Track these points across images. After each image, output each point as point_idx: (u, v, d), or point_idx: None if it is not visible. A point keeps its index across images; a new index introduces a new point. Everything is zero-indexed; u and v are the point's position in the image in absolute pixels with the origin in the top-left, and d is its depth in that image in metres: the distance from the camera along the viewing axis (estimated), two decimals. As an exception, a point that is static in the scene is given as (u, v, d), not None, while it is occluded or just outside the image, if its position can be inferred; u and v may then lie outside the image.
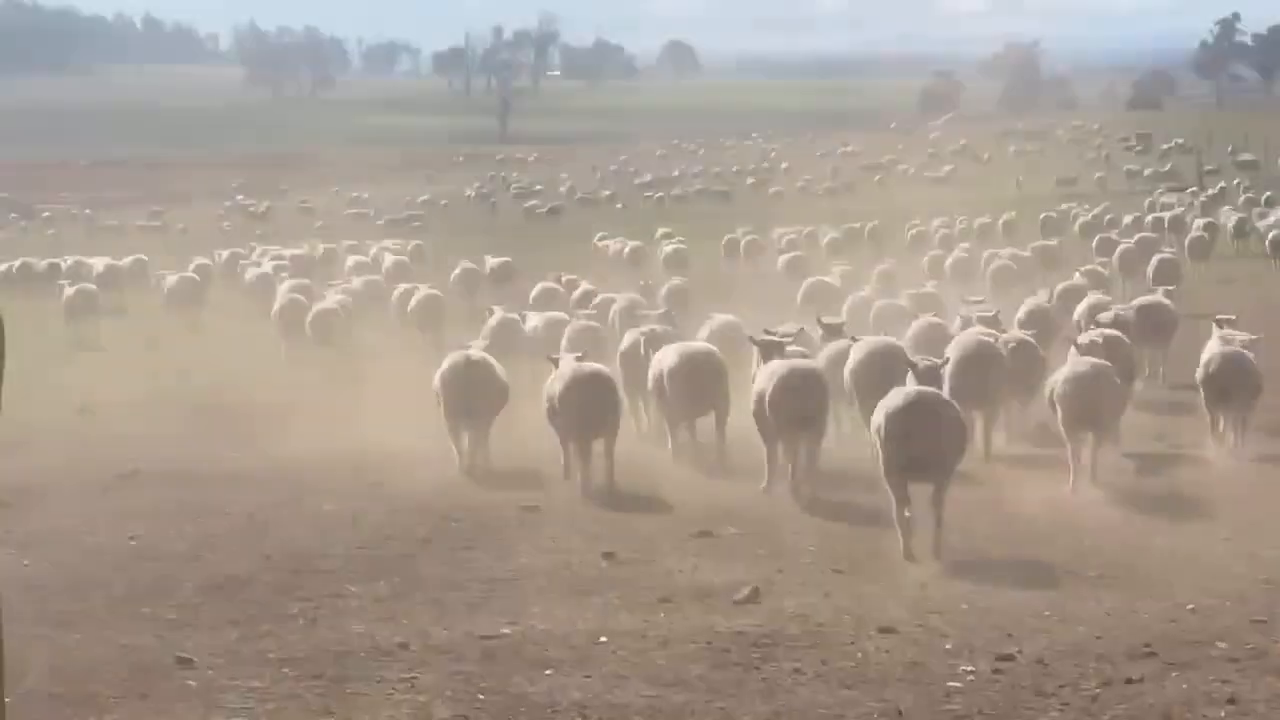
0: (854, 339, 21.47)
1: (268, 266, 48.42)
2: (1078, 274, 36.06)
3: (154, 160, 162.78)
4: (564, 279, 38.45)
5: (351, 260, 51.05)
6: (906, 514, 15.40)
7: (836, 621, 13.14)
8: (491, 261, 45.24)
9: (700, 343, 21.83)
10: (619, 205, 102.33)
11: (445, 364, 20.87)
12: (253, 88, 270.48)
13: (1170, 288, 31.00)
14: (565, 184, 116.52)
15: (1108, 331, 22.20)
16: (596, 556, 15.51)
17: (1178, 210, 63.37)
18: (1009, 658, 12.07)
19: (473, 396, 20.45)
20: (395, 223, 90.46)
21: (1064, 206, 70.15)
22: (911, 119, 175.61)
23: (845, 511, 17.57)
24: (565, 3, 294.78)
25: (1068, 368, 19.54)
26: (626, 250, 53.86)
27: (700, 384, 20.10)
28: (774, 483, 18.81)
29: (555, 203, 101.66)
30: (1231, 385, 20.69)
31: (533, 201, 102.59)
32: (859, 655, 12.23)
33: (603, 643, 12.60)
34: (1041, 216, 62.37)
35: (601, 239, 60.55)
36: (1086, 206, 69.79)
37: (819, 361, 20.63)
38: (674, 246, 52.96)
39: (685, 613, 13.49)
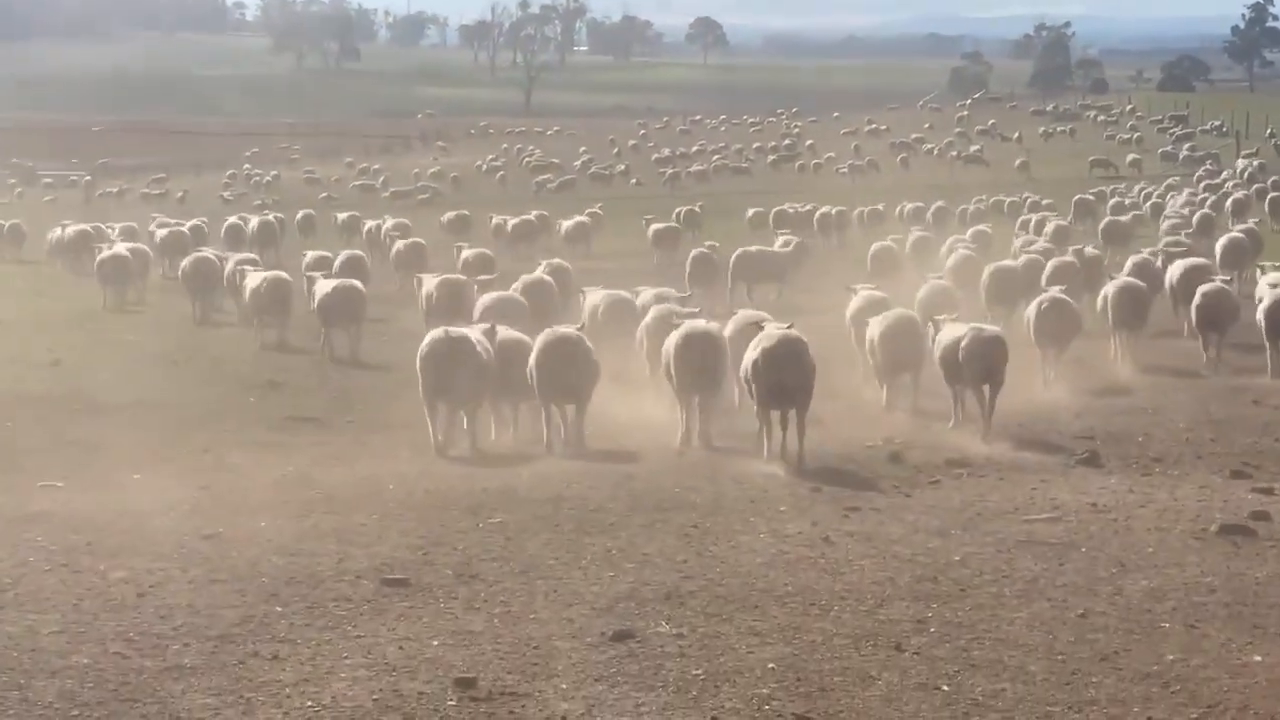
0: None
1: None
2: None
3: (170, 127, 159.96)
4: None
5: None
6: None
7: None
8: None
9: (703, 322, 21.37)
10: (633, 181, 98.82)
11: (425, 340, 20.15)
12: (277, 58, 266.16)
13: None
14: (582, 158, 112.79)
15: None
16: (449, 682, 10.69)
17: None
18: None
19: (449, 375, 19.51)
20: (400, 194, 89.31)
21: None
22: (940, 99, 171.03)
23: (829, 599, 12.83)
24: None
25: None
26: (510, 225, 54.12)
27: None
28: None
29: (567, 177, 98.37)
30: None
31: (545, 175, 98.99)
32: None
33: None
34: (1075, 199, 60.32)
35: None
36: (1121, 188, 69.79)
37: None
38: (576, 221, 53.58)
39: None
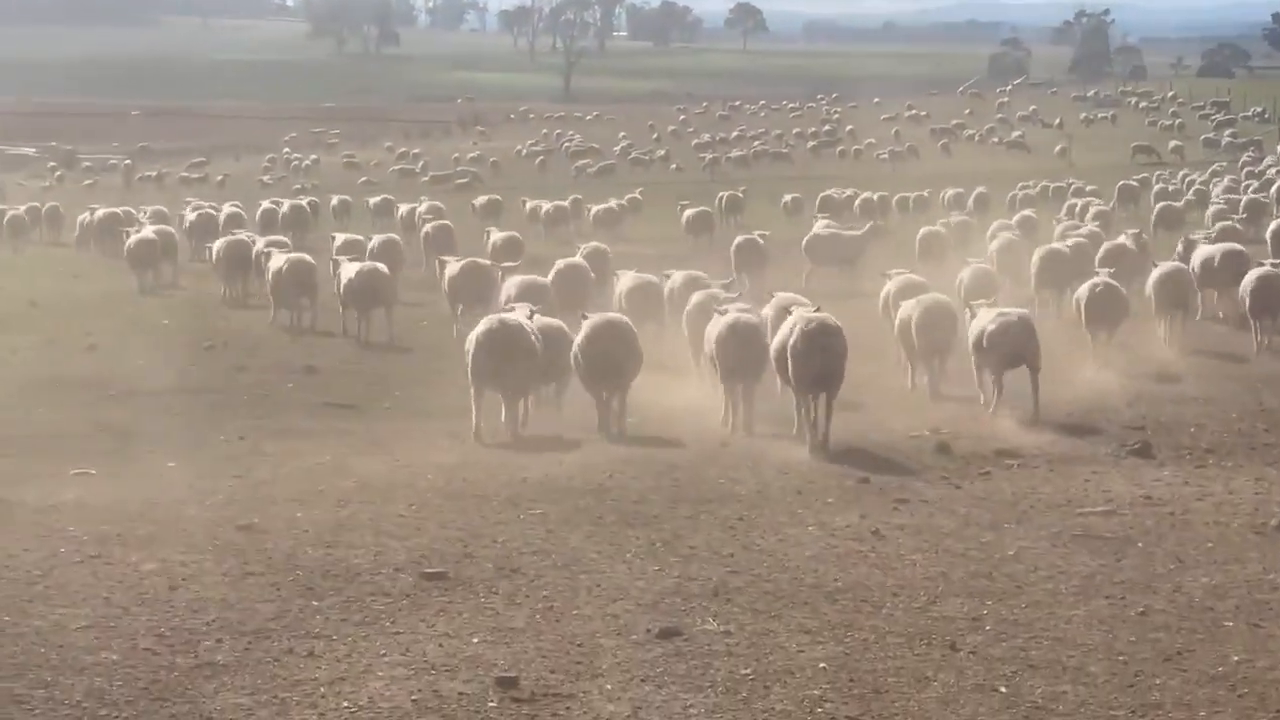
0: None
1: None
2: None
3: (209, 112, 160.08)
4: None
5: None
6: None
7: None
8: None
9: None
10: (673, 166, 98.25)
11: (480, 327, 19.72)
12: (317, 42, 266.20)
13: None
14: (622, 143, 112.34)
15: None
16: (490, 681, 10.34)
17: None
18: None
19: (502, 363, 19.16)
20: (440, 179, 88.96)
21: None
22: (980, 85, 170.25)
23: (881, 595, 12.45)
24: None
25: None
26: (544, 211, 54.00)
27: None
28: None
29: (607, 162, 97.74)
30: None
31: (584, 160, 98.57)
32: None
33: None
34: (1119, 184, 59.84)
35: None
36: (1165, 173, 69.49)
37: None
38: (605, 206, 53.48)
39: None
